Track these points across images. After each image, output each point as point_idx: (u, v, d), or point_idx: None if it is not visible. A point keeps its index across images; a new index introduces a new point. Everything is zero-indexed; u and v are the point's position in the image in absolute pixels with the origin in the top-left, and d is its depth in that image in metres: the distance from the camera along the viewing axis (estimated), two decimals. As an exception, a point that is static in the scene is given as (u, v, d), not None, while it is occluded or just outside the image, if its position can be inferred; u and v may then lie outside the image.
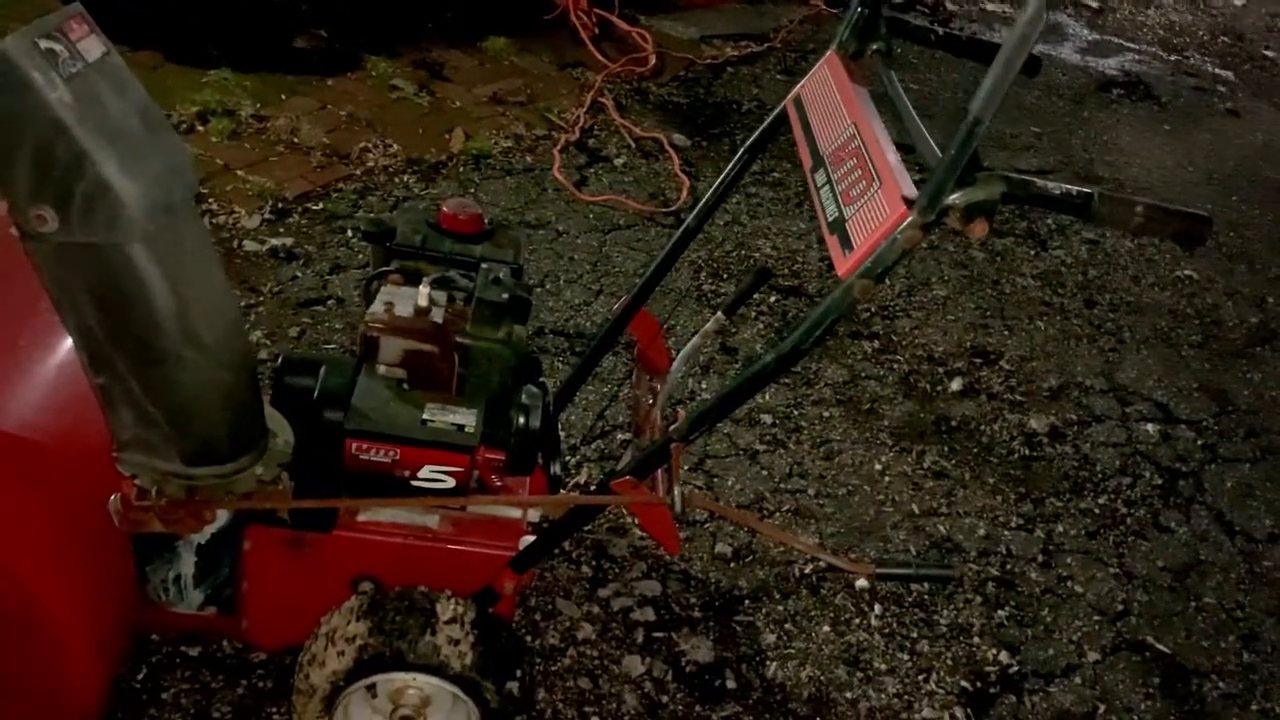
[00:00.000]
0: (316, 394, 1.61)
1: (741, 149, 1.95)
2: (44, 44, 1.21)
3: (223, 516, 1.74)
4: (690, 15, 5.24)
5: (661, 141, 4.12)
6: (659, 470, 1.63)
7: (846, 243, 1.38)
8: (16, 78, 1.17)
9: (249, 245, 3.12)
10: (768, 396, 2.90)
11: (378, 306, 1.66)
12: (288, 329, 2.84)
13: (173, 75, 3.84)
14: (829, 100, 1.74)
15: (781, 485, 2.62)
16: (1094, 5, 6.29)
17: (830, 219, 1.46)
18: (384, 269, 1.76)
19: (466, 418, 1.61)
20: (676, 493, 1.45)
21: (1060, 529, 2.65)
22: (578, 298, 3.17)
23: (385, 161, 3.65)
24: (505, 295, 1.70)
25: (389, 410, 1.60)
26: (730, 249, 3.57)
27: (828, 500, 2.61)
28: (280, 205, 3.30)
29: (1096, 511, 2.72)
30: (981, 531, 2.59)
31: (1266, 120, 5.23)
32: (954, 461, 2.81)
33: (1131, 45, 5.83)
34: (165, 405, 1.45)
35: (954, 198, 1.27)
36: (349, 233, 3.24)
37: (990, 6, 6.04)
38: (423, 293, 1.67)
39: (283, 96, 3.88)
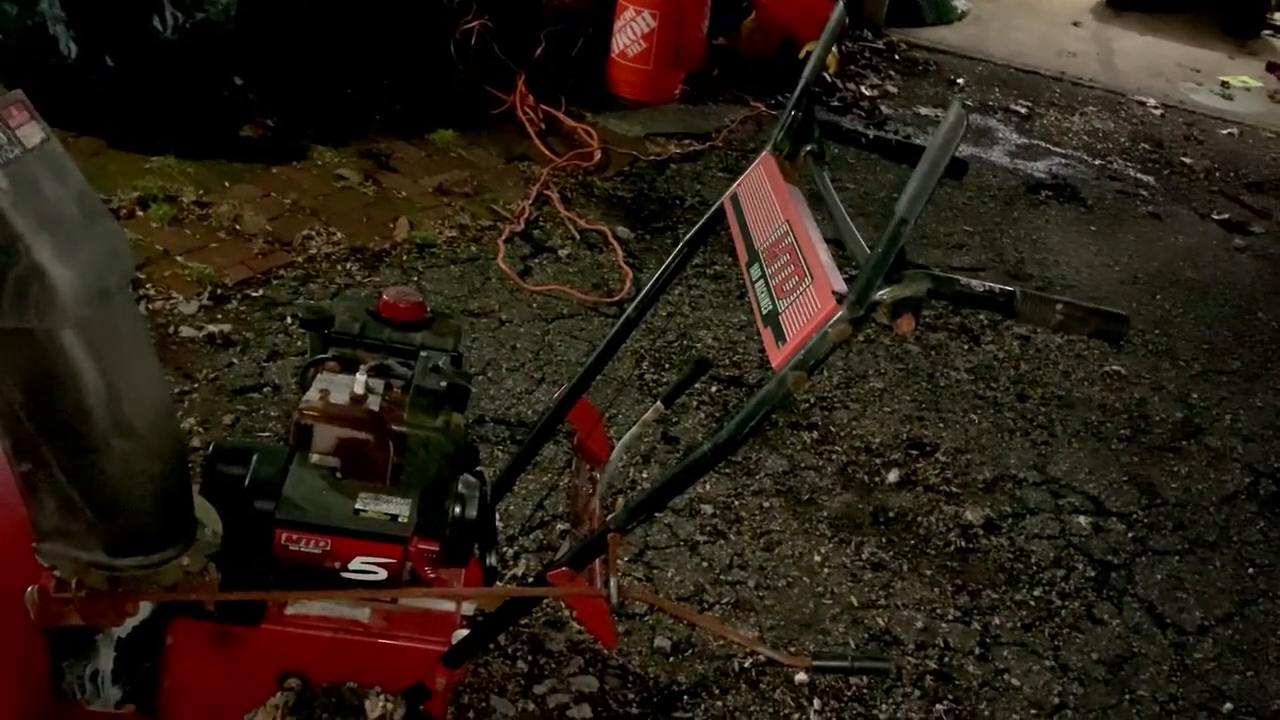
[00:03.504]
0: (247, 483, 1.58)
1: (681, 243, 1.99)
2: (-20, 131, 1.21)
3: (145, 609, 1.68)
4: (635, 114, 5.38)
5: (606, 234, 4.19)
6: (597, 561, 1.62)
7: (780, 335, 1.41)
8: (-49, 165, 1.16)
9: (185, 331, 3.08)
10: (708, 486, 2.91)
11: (312, 394, 1.65)
12: (222, 416, 2.79)
13: (115, 161, 3.83)
14: (764, 198, 1.79)
15: (722, 577, 2.61)
16: (1022, 111, 6.57)
17: (764, 312, 1.49)
18: (320, 356, 1.75)
19: (400, 508, 1.59)
20: (613, 585, 1.44)
21: (997, 621, 2.66)
22: (519, 386, 3.18)
23: (328, 249, 3.65)
24: (443, 383, 1.70)
25: (321, 500, 1.57)
26: (672, 339, 3.61)
27: (768, 592, 2.60)
28: (219, 291, 3.28)
29: (1032, 603, 2.75)
30: (919, 624, 2.60)
31: (1186, 223, 5.46)
32: (892, 553, 2.82)
33: (1058, 150, 6.08)
34: (91, 494, 1.42)
35: (882, 294, 1.31)
36: (288, 319, 3.22)
37: (924, 110, 6.28)
38: (359, 380, 1.67)
39: (226, 184, 3.89)
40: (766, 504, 2.90)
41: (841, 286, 1.39)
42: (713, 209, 1.97)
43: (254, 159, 4.08)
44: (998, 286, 1.36)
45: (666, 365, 3.44)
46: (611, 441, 2.10)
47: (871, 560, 2.78)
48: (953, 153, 1.26)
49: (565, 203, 4.40)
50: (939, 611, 2.65)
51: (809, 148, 1.91)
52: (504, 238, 3.96)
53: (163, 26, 4.03)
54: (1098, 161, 6.06)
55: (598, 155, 4.85)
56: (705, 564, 2.64)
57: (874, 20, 7.38)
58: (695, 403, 3.27)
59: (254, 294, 3.32)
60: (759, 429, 1.48)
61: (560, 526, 2.62)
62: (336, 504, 1.57)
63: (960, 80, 6.98)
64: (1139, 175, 5.98)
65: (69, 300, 1.27)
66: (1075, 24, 8.89)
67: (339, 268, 3.57)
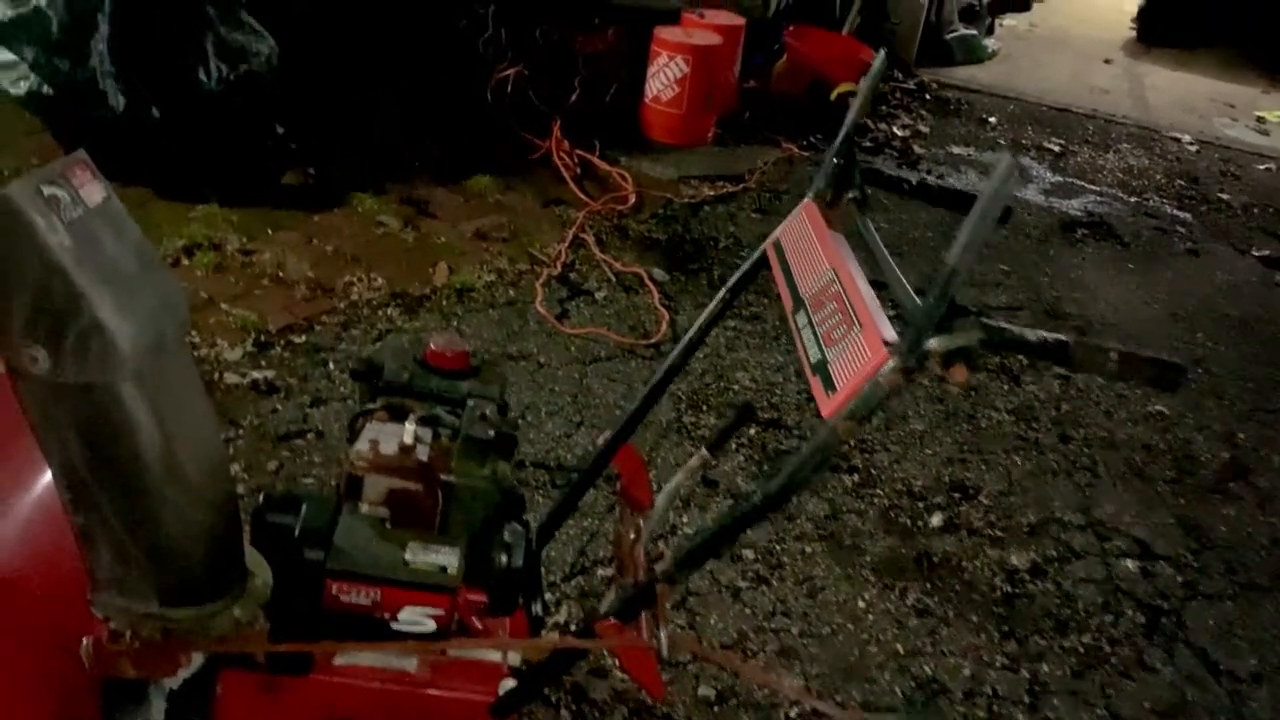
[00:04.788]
0: (297, 532, 1.60)
1: (723, 289, 2.00)
2: (47, 190, 1.24)
3: (197, 660, 1.69)
4: (668, 156, 5.42)
5: (642, 276, 4.21)
6: (644, 612, 1.62)
7: (829, 384, 1.41)
8: (19, 222, 1.20)
9: (230, 378, 3.12)
10: (749, 532, 2.88)
11: (362, 444, 1.66)
12: (266, 463, 2.82)
13: (161, 210, 3.92)
14: (808, 245, 1.80)
15: (765, 624, 2.59)
16: (1055, 149, 6.56)
17: (812, 360, 1.49)
18: (369, 407, 1.77)
19: (448, 558, 1.59)
20: (663, 636, 1.43)
21: (1045, 668, 2.61)
22: (559, 429, 3.18)
23: (369, 295, 3.70)
24: (491, 432, 1.71)
25: (371, 550, 1.58)
26: (710, 381, 3.60)
27: (812, 639, 2.57)
28: (263, 338, 3.33)
29: (1081, 650, 2.70)
30: (967, 671, 2.56)
31: (1225, 260, 5.41)
32: (937, 599, 2.78)
33: (1093, 187, 6.06)
34: (146, 544, 1.44)
35: (933, 343, 1.31)
36: (331, 365, 3.26)
37: (956, 150, 6.29)
38: (408, 430, 1.68)
39: (269, 231, 3.96)
40: (809, 549, 2.88)
41: (891, 335, 1.38)
42: (755, 256, 1.97)
43: (296, 206, 4.16)
44: (1051, 335, 1.34)
45: (705, 408, 3.43)
46: (654, 488, 2.10)
47: (916, 606, 2.74)
48: (1003, 202, 1.26)
49: (601, 245, 4.43)
50: (986, 658, 2.61)
51: (851, 194, 1.91)
52: (541, 281, 3.99)
53: (207, 78, 4.12)
54: (1133, 199, 6.02)
55: (632, 198, 4.89)
56: (748, 611, 2.62)
57: (905, 60, 7.42)
58: (734, 445, 3.26)
59: (297, 340, 3.37)
60: (810, 479, 1.47)
61: (602, 572, 2.62)
62: (386, 554, 1.58)
63: (992, 119, 6.98)
64: (1176, 212, 5.94)
65: (128, 353, 1.30)
66: (1106, 60, 8.89)
67: (380, 313, 3.61)
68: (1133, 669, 2.66)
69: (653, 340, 3.76)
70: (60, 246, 1.23)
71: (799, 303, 1.65)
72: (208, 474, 1.47)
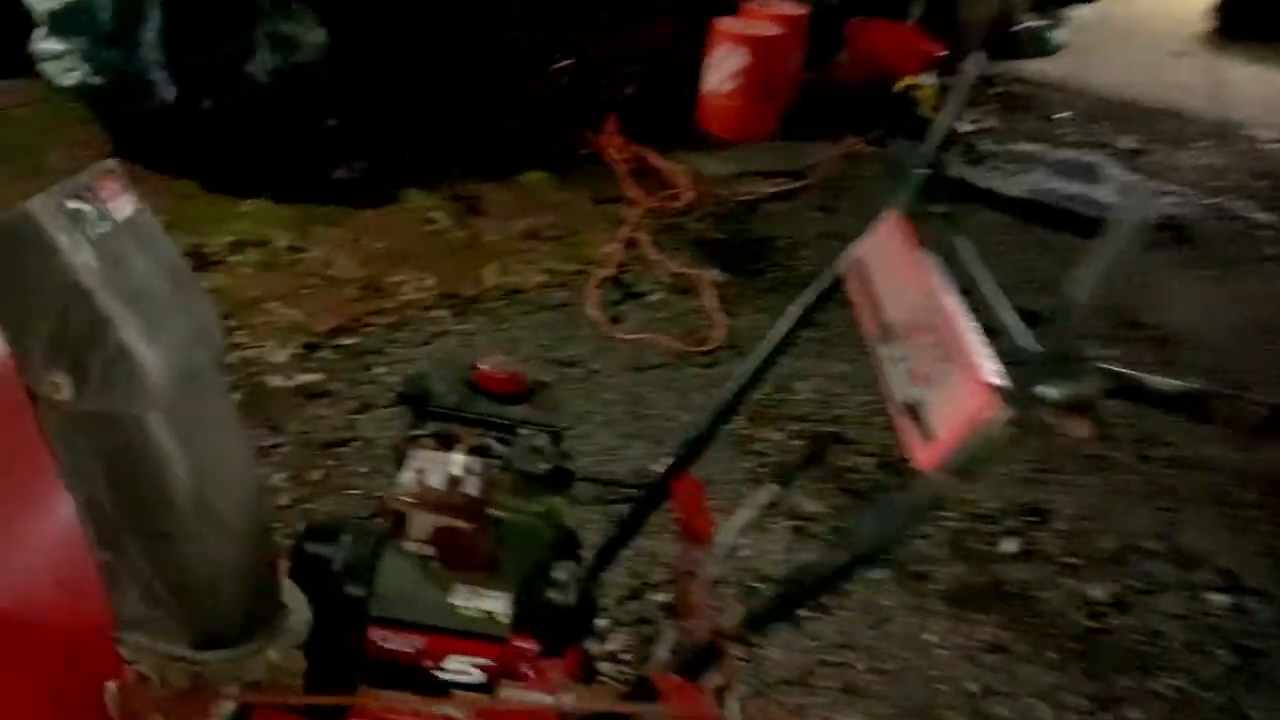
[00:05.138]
0: (339, 566, 1.49)
1: (792, 307, 1.86)
2: (71, 205, 1.14)
3: (228, 704, 1.59)
4: (726, 152, 5.27)
5: (697, 278, 4.06)
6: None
7: (926, 431, 1.26)
8: (41, 241, 1.11)
9: (275, 381, 3.04)
10: (812, 555, 2.74)
11: (408, 476, 1.54)
12: (310, 472, 2.73)
13: (209, 204, 3.85)
14: (893, 265, 1.65)
15: (829, 658, 2.44)
16: (1128, 148, 6.29)
17: (902, 400, 1.34)
18: (416, 433, 1.66)
19: (498, 603, 1.47)
20: (735, 708, 1.30)
21: (1133, 716, 2.44)
22: (611, 441, 3.06)
23: (419, 295, 3.59)
24: (545, 467, 1.59)
25: (415, 594, 1.46)
26: (768, 391, 3.45)
27: (878, 676, 2.42)
28: (310, 340, 3.24)
29: (1169, 695, 2.51)
30: (1047, 716, 2.39)
31: (1311, 266, 5.14)
32: (1012, 633, 2.62)
33: (1169, 188, 5.79)
34: (175, 585, 1.33)
35: (1050, 391, 1.16)
36: (379, 369, 3.16)
37: (1026, 147, 6.05)
38: (456, 461, 1.56)
39: (318, 228, 3.87)
40: (874, 575, 2.72)
41: (999, 377, 1.23)
42: (829, 274, 1.83)
43: (346, 202, 4.07)
44: (1188, 385, 1.19)
45: (763, 420, 3.28)
46: (714, 520, 1.97)
47: (990, 641, 2.58)
48: (1136, 237, 1.11)
49: (655, 245, 4.29)
50: (1068, 701, 2.44)
51: (941, 209, 1.76)
52: (594, 283, 3.86)
53: (259, 69, 4.05)
54: (1211, 200, 5.75)
55: (688, 195, 4.74)
56: (811, 643, 2.47)
57: (971, 52, 7.17)
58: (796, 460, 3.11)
59: (344, 342, 3.27)
60: (905, 536, 1.33)
61: (657, 597, 2.49)
62: (431, 599, 1.46)
63: (1062, 115, 6.72)
64: (1257, 215, 5.66)
65: (157, 383, 1.19)
66: (1180, 53, 8.55)
67: (429, 314, 3.51)
68: (1226, 719, 2.48)
69: (708, 347, 3.61)
70: (85, 267, 1.13)
71: (886, 332, 1.50)
72: (241, 510, 1.36)
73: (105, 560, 1.30)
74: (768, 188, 4.99)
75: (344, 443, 2.85)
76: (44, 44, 3.89)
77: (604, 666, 2.31)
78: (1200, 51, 8.75)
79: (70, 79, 3.82)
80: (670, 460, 1.92)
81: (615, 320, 3.70)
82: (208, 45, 3.99)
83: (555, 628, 1.56)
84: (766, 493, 1.74)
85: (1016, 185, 5.46)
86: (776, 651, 2.43)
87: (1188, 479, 3.37)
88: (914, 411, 1.31)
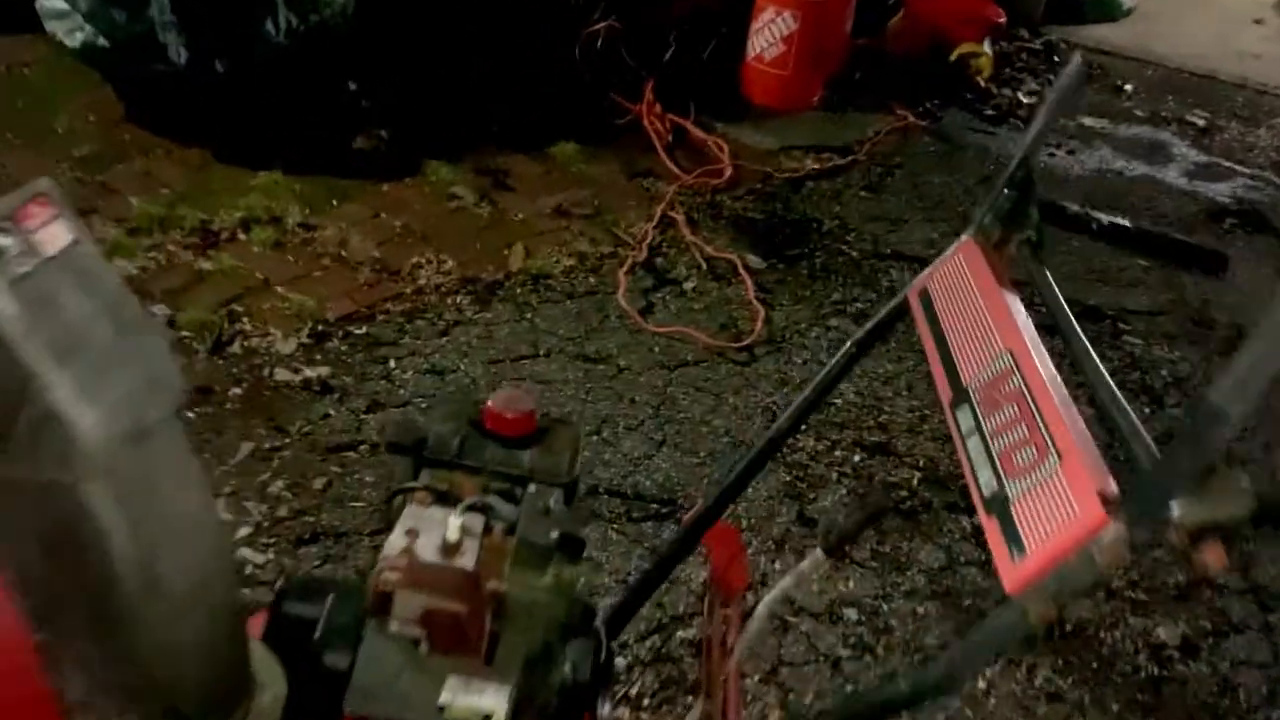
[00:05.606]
0: (319, 633, 1.29)
1: (849, 343, 1.63)
2: (-13, 237, 0.93)
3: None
4: (769, 124, 4.97)
5: (735, 263, 3.81)
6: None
7: (1016, 542, 1.02)
8: (-53, 285, 0.89)
9: (281, 374, 2.84)
10: (851, 584, 2.52)
11: (396, 543, 1.33)
12: (313, 479, 2.54)
13: (220, 175, 3.64)
14: (970, 306, 1.40)
15: (868, 706, 2.22)
16: (1199, 124, 5.91)
17: (986, 492, 1.11)
18: (408, 485, 1.44)
19: (495, 700, 1.26)
20: None
21: (1204, 780, 2.22)
22: (638, 449, 2.84)
23: (438, 280, 3.37)
24: (554, 534, 1.37)
25: (399, 688, 1.25)
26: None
27: (923, 728, 2.21)
28: (320, 328, 3.03)
29: (1246, 757, 2.29)
30: (1111, 781, 2.17)
31: (1396, 259, 4.78)
32: (1070, 679, 2.39)
33: (1243, 169, 5.42)
34: (121, 669, 1.14)
35: (1181, 510, 0.92)
36: (392, 364, 2.95)
37: (1088, 122, 5.69)
38: (452, 525, 1.34)
39: (334, 203, 3.65)
40: (920, 609, 2.50)
41: (1111, 485, 1.00)
42: (892, 304, 1.59)
43: (365, 175, 3.84)
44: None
45: (803, 428, 3.04)
46: (749, 569, 1.75)
47: (1046, 689, 2.35)
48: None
49: (691, 225, 4.03)
50: (1133, 762, 2.22)
51: (1024, 235, 1.51)
52: (625, 269, 3.62)
53: (275, 30, 3.80)
54: (1289, 183, 5.38)
55: (728, 171, 4.47)
56: (849, 687, 2.26)
57: (1030, 17, 6.77)
58: (835, 475, 2.88)
59: (356, 331, 3.07)
60: (984, 668, 1.10)
61: (681, 633, 2.28)
62: (417, 694, 1.25)
63: (1128, 86, 6.33)
64: (1338, 200, 5.28)
65: (94, 448, 0.98)
66: (1257, 21, 8.06)
67: (448, 301, 3.29)
68: (1308, 785, 2.25)
69: (745, 342, 3.37)
70: (2, 315, 0.92)
71: (962, 394, 1.26)
72: (199, 581, 1.16)
73: (42, 640, 1.11)
74: (812, 164, 4.70)
75: (351, 446, 2.65)
76: (49, 1, 3.67)
77: (623, 713, 2.12)
78: (1278, 19, 8.25)
79: (76, 39, 3.61)
80: (702, 506, 1.70)
81: (647, 311, 3.46)
82: (221, 4, 3.75)
83: (563, 711, 1.35)
84: (810, 562, 1.51)
85: (1079, 165, 5.13)
86: (810, 696, 2.22)
87: (1264, 501, 3.10)
88: (999, 510, 1.08)
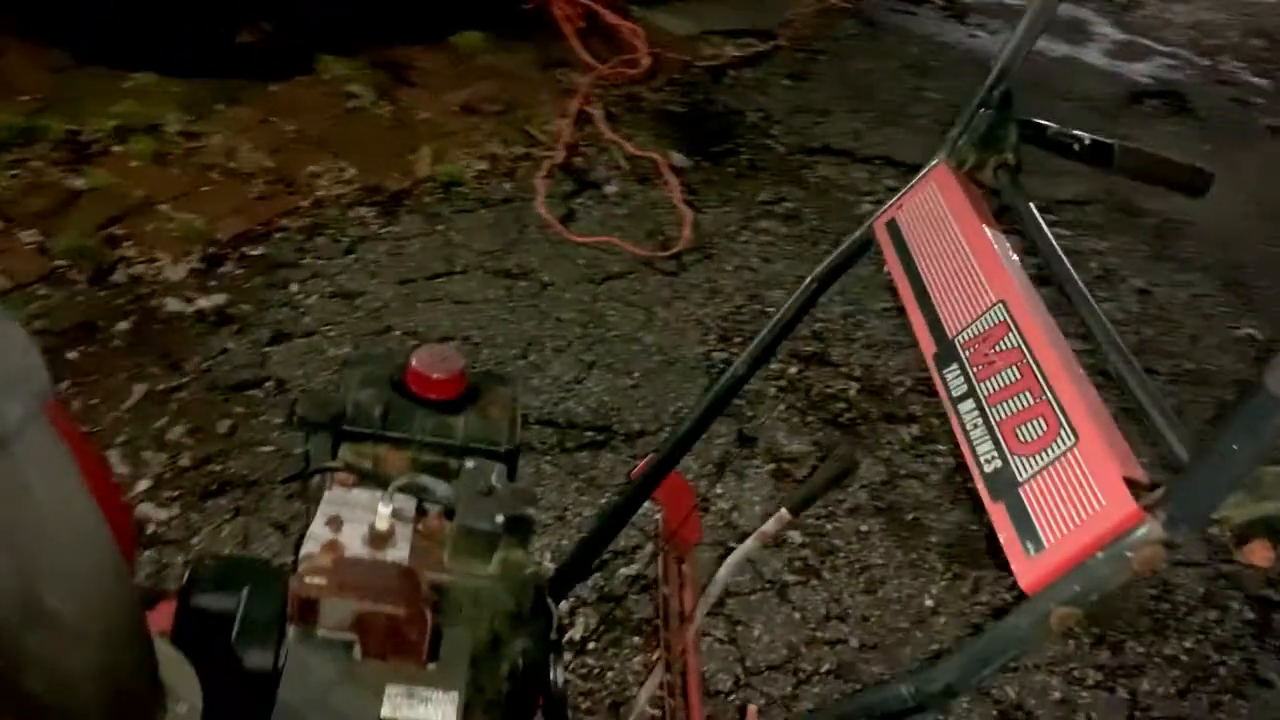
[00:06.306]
0: (236, 629, 1.13)
1: (808, 279, 1.47)
2: None
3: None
4: (685, 7, 4.71)
5: (658, 162, 3.61)
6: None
7: (1030, 532, 0.91)
8: None
9: (172, 304, 2.59)
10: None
11: (317, 535, 1.16)
12: (216, 422, 2.33)
13: (86, 80, 3.26)
14: (949, 243, 1.26)
15: (818, 633, 2.17)
16: (1121, 1, 5.81)
17: (988, 468, 0.98)
18: (327, 465, 1.27)
19: (442, 708, 1.12)
20: None
21: (1145, 686, 2.22)
22: (568, 372, 2.68)
23: (339, 190, 3.11)
24: (499, 518, 1.22)
25: (332, 703, 1.11)
26: (741, 303, 3.08)
27: (874, 653, 2.16)
28: (211, 250, 2.77)
29: (1184, 659, 2.30)
30: (1057, 693, 2.17)
31: (1307, 137, 4.82)
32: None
33: (1161, 48, 5.37)
34: (13, 703, 0.97)
35: (1225, 507, 0.81)
36: (293, 287, 2.72)
37: (1010, 0, 5.53)
38: (382, 513, 1.18)
39: (219, 107, 3.32)
40: (864, 527, 2.44)
41: (1140, 471, 0.89)
42: (855, 236, 1.43)
43: (251, 74, 3.50)
44: None
45: (737, 338, 2.92)
46: (701, 524, 1.64)
47: (992, 604, 2.33)
48: None
49: (610, 121, 3.81)
50: (1076, 673, 2.22)
51: (1002, 158, 1.38)
52: (543, 174, 3.39)
53: (140, -91, 3.38)
54: (1206, 61, 5.35)
55: (645, 61, 4.22)
56: (797, 615, 2.20)
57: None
58: (773, 390, 2.77)
59: (252, 252, 2.81)
60: (989, 678, 1.00)
61: (623, 570, 2.18)
62: (354, 710, 1.10)
63: (1047, -40, 6.17)
64: (1252, 79, 5.28)
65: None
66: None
67: (351, 214, 3.04)
68: (1245, 684, 2.28)
69: (673, 250, 3.21)
70: None
71: (948, 351, 1.13)
72: (88, 596, 0.98)
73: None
74: (733, 50, 4.48)
75: (256, 383, 2.44)
76: None
77: (568, 658, 2.02)
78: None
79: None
80: (653, 458, 1.57)
81: (568, 219, 3.26)
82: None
83: (516, 708, 1.23)
84: (774, 522, 1.40)
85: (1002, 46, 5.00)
86: (759, 630, 2.15)
87: (1194, 394, 3.11)
88: (1006, 492, 0.96)
